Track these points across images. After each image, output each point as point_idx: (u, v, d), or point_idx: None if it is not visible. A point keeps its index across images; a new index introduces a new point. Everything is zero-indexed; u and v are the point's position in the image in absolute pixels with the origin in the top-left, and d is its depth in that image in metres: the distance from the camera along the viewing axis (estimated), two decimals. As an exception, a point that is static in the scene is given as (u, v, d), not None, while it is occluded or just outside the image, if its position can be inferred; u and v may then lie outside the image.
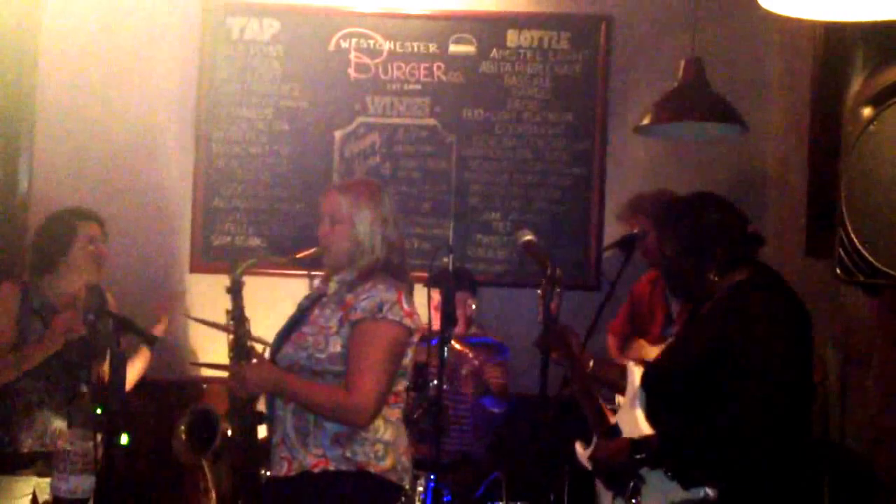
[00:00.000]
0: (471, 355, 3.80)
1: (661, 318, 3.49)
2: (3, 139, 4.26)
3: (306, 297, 2.70)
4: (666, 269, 2.60)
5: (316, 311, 2.57)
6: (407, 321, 2.51)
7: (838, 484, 3.08)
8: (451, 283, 3.39)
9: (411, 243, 4.38)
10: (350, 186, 2.66)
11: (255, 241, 4.42)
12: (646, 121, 3.72)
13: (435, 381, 3.49)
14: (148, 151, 4.40)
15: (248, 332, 2.67)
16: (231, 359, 2.62)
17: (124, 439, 3.61)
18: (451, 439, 3.87)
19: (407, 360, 2.58)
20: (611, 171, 4.41)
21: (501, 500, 3.55)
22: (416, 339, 2.59)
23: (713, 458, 2.30)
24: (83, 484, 2.63)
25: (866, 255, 2.24)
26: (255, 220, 4.43)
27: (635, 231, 3.33)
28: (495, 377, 3.91)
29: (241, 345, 2.61)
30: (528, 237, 2.67)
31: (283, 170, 4.44)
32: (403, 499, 3.19)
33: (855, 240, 2.26)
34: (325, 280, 2.66)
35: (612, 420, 2.56)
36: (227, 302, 2.72)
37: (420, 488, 3.50)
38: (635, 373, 2.54)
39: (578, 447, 2.67)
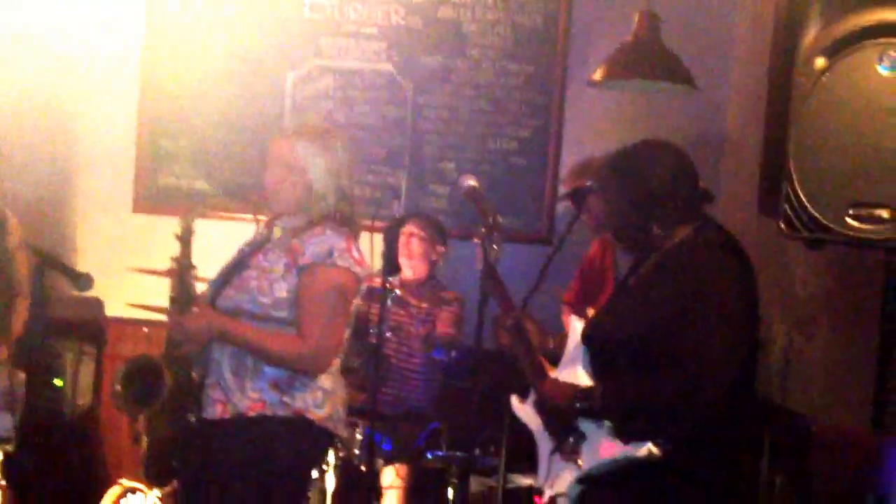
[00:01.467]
0: (417, 304, 3.74)
1: (611, 285, 3.44)
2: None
3: (247, 243, 2.63)
4: (611, 220, 2.53)
5: (259, 256, 2.51)
6: (357, 268, 2.47)
7: (778, 443, 3.07)
8: (395, 230, 3.34)
9: (363, 191, 4.30)
10: (305, 133, 2.57)
11: (202, 184, 4.32)
12: (598, 75, 3.65)
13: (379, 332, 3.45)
14: (90, 89, 4.26)
15: (194, 280, 2.59)
16: (173, 307, 2.55)
17: (59, 381, 3.55)
18: (399, 393, 3.82)
19: (353, 309, 2.54)
20: (569, 124, 4.34)
21: (440, 450, 3.51)
22: (363, 287, 2.54)
23: (658, 415, 2.26)
24: (2, 422, 2.54)
25: (811, 209, 2.20)
26: (203, 162, 4.32)
27: (587, 184, 3.27)
28: (442, 325, 3.84)
29: (185, 293, 2.54)
30: (471, 182, 2.60)
31: (233, 111, 4.32)
32: (339, 445, 3.18)
33: (801, 194, 2.21)
34: (268, 225, 2.60)
35: (551, 374, 2.51)
36: (171, 245, 2.62)
37: (358, 437, 3.45)
38: (577, 327, 2.48)
39: (514, 400, 2.62)
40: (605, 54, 3.94)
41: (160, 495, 3.19)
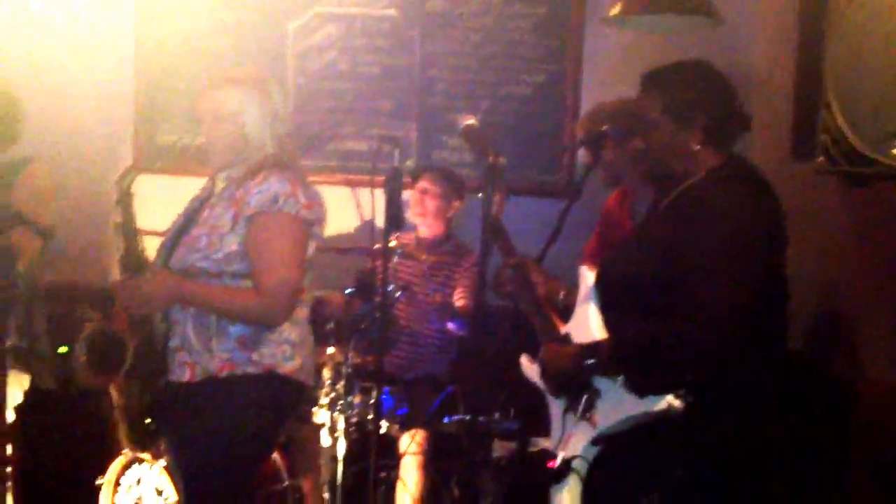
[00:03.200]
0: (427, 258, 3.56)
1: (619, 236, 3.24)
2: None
3: (193, 199, 2.56)
4: (646, 140, 2.32)
5: (206, 212, 2.44)
6: (304, 212, 2.39)
7: (818, 401, 2.88)
8: (396, 181, 3.13)
9: (370, 145, 4.11)
10: (234, 79, 2.48)
11: (201, 141, 4.12)
12: (615, 11, 3.41)
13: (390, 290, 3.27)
14: (84, 45, 4.10)
15: (141, 244, 2.50)
16: (124, 272, 2.47)
17: (63, 348, 3.43)
18: (412, 357, 3.65)
19: (310, 254, 2.45)
20: (586, 68, 4.10)
21: (457, 415, 3.34)
22: (318, 231, 2.46)
23: (673, 365, 2.07)
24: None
25: (852, 140, 1.97)
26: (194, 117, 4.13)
27: (604, 128, 3.04)
28: (460, 296, 3.65)
29: (133, 259, 2.45)
30: (470, 121, 2.38)
31: (232, 64, 4.11)
32: (330, 399, 3.04)
33: (840, 122, 1.98)
34: (212, 179, 2.53)
35: (562, 329, 2.31)
36: (173, 205, 2.56)
37: (372, 401, 3.29)
38: (588, 277, 2.29)
39: (524, 360, 2.44)
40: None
41: (165, 464, 3.06)
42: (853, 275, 3.12)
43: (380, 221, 3.53)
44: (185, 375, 2.38)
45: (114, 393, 3.09)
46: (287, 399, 2.47)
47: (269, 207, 2.35)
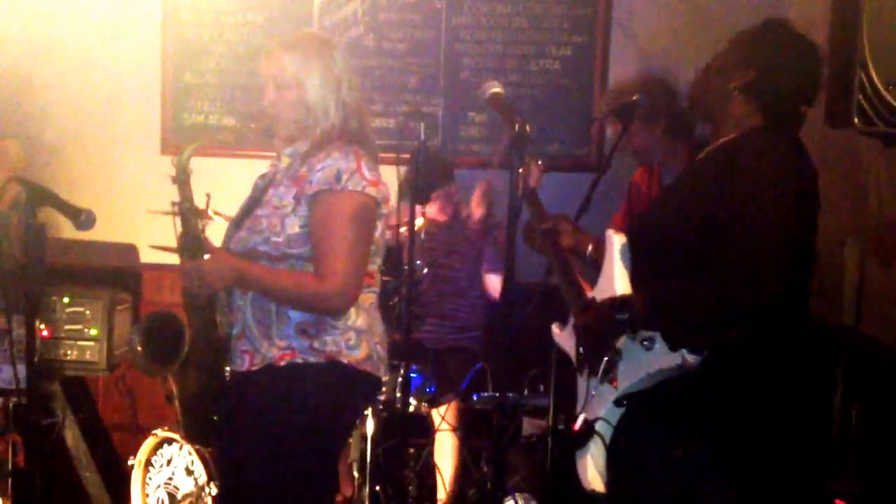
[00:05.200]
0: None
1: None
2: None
3: (261, 177, 2.39)
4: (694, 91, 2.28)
5: (270, 191, 2.28)
6: (370, 190, 2.20)
7: (856, 373, 2.80)
8: (424, 159, 3.09)
9: (397, 121, 4.07)
10: (295, 44, 2.29)
11: (230, 120, 4.13)
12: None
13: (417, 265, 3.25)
14: (110, 24, 4.09)
15: (200, 223, 2.33)
16: (182, 256, 2.31)
17: (95, 331, 3.41)
18: (440, 331, 3.63)
19: (377, 236, 2.29)
20: (614, 39, 4.02)
21: (487, 392, 3.31)
22: (385, 210, 2.29)
23: (700, 321, 2.02)
24: (16, 373, 2.40)
25: (889, 97, 1.89)
26: (229, 96, 4.13)
27: (634, 98, 2.97)
28: (476, 207, 3.63)
29: (192, 238, 2.29)
30: (496, 90, 2.31)
31: (258, 41, 4.09)
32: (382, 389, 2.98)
33: (876, 80, 1.91)
34: (279, 155, 2.35)
35: (589, 293, 2.27)
36: (201, 185, 2.43)
37: (400, 379, 3.26)
38: (615, 241, 2.23)
39: (555, 328, 2.39)
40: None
41: (196, 447, 3.06)
42: (890, 245, 3.03)
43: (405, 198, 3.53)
44: (245, 364, 2.25)
45: (171, 383, 3.02)
46: (353, 390, 2.28)
47: (332, 185, 2.18)
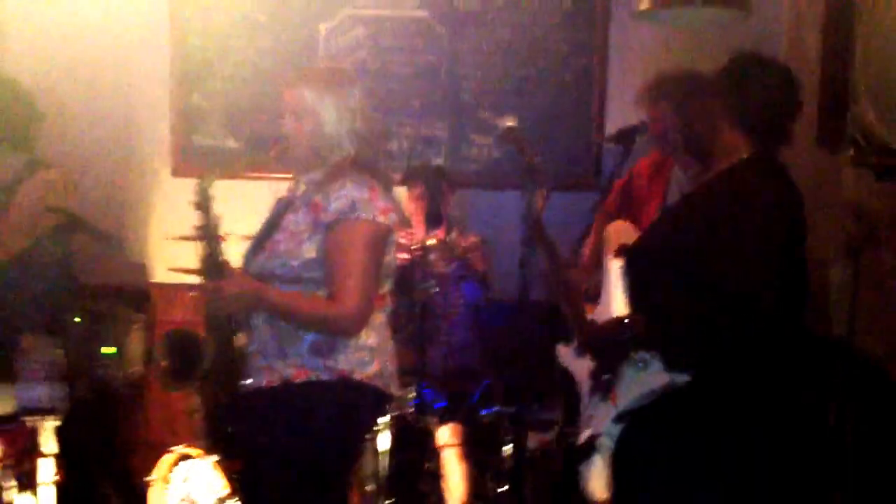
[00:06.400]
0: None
1: (654, 207, 3.25)
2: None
3: (279, 201, 2.52)
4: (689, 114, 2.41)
5: (288, 216, 2.40)
6: (382, 218, 2.34)
7: (853, 391, 2.91)
8: (436, 180, 3.20)
9: (401, 143, 4.18)
10: (314, 76, 2.43)
11: (239, 143, 4.22)
12: (644, 5, 3.45)
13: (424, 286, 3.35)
14: (118, 46, 4.17)
15: (221, 247, 2.46)
16: (203, 276, 2.43)
17: (111, 349, 3.50)
18: (448, 349, 3.72)
19: (389, 260, 2.41)
20: (614, 62, 4.15)
21: (496, 406, 3.41)
22: (397, 237, 2.42)
23: (698, 342, 2.15)
24: (52, 393, 2.49)
25: (881, 133, 2.02)
26: (236, 119, 4.22)
27: (638, 123, 3.09)
28: (475, 264, 3.74)
29: (213, 261, 2.41)
30: (510, 123, 2.44)
31: (265, 65, 4.20)
32: (392, 405, 3.09)
33: (870, 115, 2.03)
34: (295, 181, 2.48)
35: (589, 315, 2.40)
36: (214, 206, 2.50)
37: (411, 395, 3.37)
38: (613, 267, 2.36)
39: (560, 348, 2.52)
40: (647, -14, 3.74)
41: (215, 460, 3.14)
42: (876, 263, 3.15)
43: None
44: (263, 381, 2.35)
45: (192, 397, 3.11)
46: (365, 406, 2.40)
47: (347, 214, 2.30)
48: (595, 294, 2.51)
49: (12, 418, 2.56)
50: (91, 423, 3.29)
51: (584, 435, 2.36)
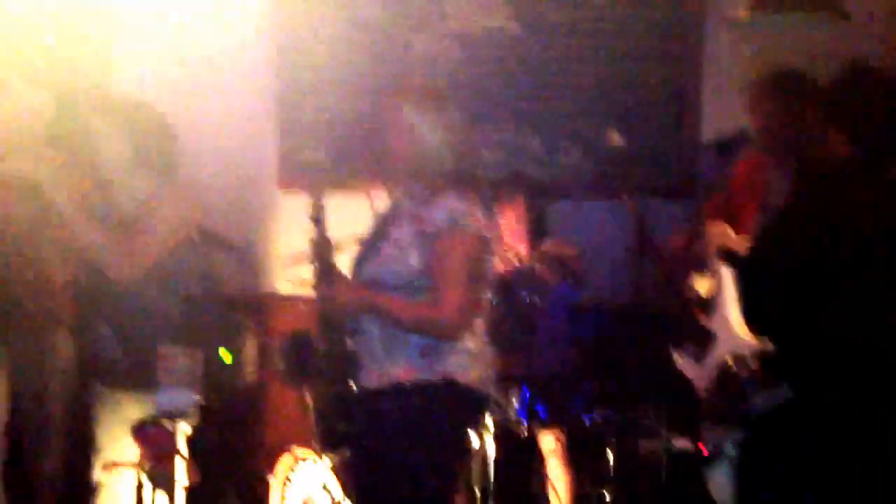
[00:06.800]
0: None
1: (753, 210, 3.22)
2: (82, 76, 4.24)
3: (380, 213, 2.68)
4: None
5: (391, 227, 2.56)
6: (482, 230, 2.50)
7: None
8: (533, 191, 3.30)
9: (492, 153, 4.26)
10: (412, 94, 2.57)
11: (342, 156, 4.37)
12: (743, 13, 3.48)
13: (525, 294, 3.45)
14: (226, 69, 4.36)
15: (332, 256, 2.63)
16: (317, 284, 2.59)
17: (228, 357, 3.69)
18: (545, 355, 3.81)
19: (487, 268, 2.56)
20: (706, 71, 4.17)
21: (599, 413, 3.48)
22: (495, 247, 2.58)
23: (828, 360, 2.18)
24: (187, 398, 2.66)
25: None
26: (338, 134, 4.36)
27: (737, 132, 3.13)
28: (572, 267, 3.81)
29: (326, 270, 2.58)
30: (615, 138, 2.53)
31: (364, 82, 4.33)
32: (494, 407, 3.21)
33: None
34: (395, 194, 2.63)
35: (706, 323, 2.46)
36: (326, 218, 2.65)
37: (514, 402, 3.47)
38: (726, 274, 2.42)
39: (676, 357, 2.59)
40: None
41: (331, 464, 3.29)
42: None
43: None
44: (373, 381, 2.50)
45: (305, 395, 3.30)
46: (467, 407, 2.55)
47: (450, 225, 2.44)
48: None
49: (151, 422, 2.72)
50: (215, 426, 3.47)
51: (708, 440, 2.41)
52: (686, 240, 2.98)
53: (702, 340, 2.50)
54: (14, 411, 3.46)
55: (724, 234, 3.26)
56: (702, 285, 2.82)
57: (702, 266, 2.93)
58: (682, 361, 2.58)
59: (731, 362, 2.35)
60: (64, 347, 3.33)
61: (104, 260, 2.82)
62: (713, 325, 2.44)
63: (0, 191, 3.21)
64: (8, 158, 2.82)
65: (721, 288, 2.46)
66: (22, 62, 3.62)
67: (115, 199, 2.95)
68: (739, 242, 2.80)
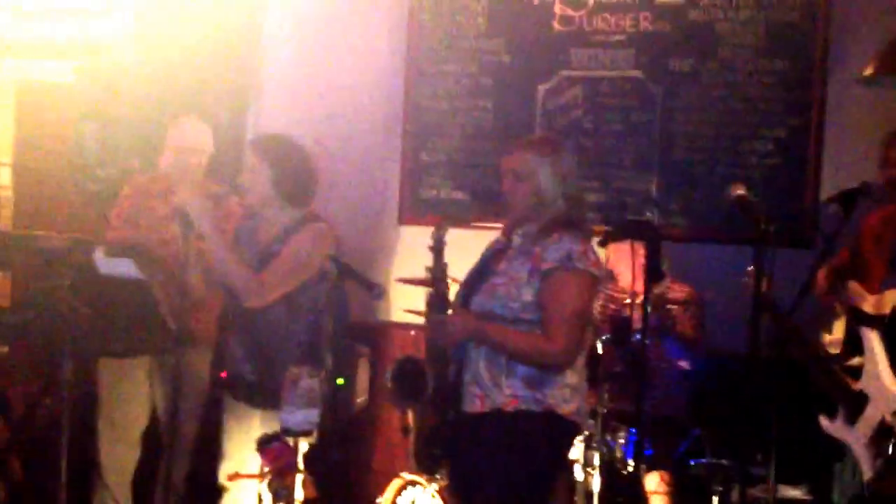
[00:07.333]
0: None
1: (881, 266, 3.18)
2: (231, 111, 4.60)
3: (488, 249, 2.84)
4: None
5: (503, 263, 2.71)
6: (594, 269, 2.64)
7: None
8: (657, 237, 3.35)
9: (612, 197, 4.35)
10: (533, 143, 2.80)
11: (459, 195, 4.54)
12: (868, 71, 3.47)
13: (637, 336, 3.49)
14: (359, 109, 4.62)
15: (448, 287, 2.80)
16: (429, 311, 2.78)
17: (340, 380, 3.87)
18: (659, 398, 3.83)
19: (593, 307, 2.72)
20: (830, 121, 4.15)
21: (704, 458, 3.49)
22: (605, 288, 2.66)
23: None
24: (309, 417, 2.83)
25: None
26: (460, 173, 4.55)
27: (861, 184, 3.12)
28: (682, 326, 3.82)
29: (440, 299, 2.76)
30: (740, 192, 2.59)
31: (487, 124, 4.52)
32: (584, 436, 3.28)
33: None
34: (506, 232, 2.80)
35: (856, 386, 2.47)
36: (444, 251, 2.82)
37: (622, 441, 3.51)
38: (872, 337, 2.43)
39: (823, 420, 2.60)
40: (863, 45, 3.77)
41: (438, 488, 3.40)
42: None
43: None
44: (476, 407, 2.65)
45: (411, 418, 3.46)
46: (564, 437, 2.71)
47: (564, 264, 2.61)
48: None
49: (276, 437, 2.89)
50: (332, 446, 3.64)
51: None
52: (804, 293, 2.98)
53: (854, 403, 2.52)
54: (152, 420, 3.73)
55: (858, 292, 3.25)
56: (831, 342, 2.84)
57: (827, 322, 2.94)
58: (831, 425, 2.61)
59: (888, 419, 2.38)
60: (200, 363, 3.58)
61: (241, 287, 3.04)
62: (864, 386, 2.45)
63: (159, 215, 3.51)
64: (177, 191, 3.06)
65: (869, 349, 2.48)
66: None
67: (258, 229, 3.18)
68: (872, 303, 2.80)
